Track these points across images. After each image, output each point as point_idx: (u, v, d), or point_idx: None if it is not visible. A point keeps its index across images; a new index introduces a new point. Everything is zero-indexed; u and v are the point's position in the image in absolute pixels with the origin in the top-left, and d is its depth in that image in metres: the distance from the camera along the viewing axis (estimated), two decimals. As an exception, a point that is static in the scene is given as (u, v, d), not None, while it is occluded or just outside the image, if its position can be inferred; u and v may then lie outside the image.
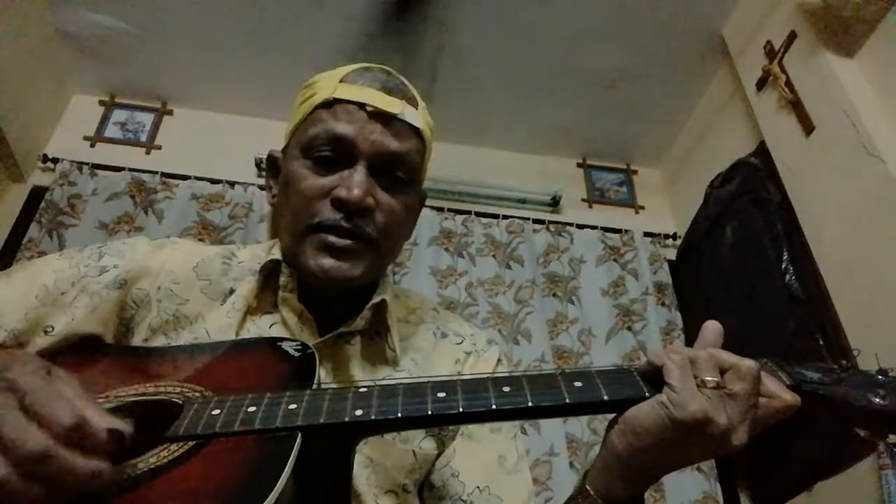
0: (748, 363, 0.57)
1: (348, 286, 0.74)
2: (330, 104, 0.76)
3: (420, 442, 0.75)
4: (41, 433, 0.43)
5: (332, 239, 0.72)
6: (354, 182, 0.72)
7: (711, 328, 0.61)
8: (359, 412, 0.56)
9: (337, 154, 0.74)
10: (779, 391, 0.57)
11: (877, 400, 0.55)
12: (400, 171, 0.77)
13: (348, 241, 0.72)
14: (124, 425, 0.47)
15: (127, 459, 0.52)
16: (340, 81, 0.77)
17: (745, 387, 0.55)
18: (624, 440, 0.57)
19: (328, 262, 0.72)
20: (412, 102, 0.79)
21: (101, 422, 0.46)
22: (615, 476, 0.59)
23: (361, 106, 0.75)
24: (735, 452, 0.55)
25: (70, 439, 0.44)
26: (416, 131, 0.78)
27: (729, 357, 0.58)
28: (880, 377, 0.58)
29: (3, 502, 0.42)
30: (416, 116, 0.78)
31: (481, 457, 0.76)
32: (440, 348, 0.83)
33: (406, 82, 0.82)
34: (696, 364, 0.57)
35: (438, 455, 0.77)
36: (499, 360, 0.85)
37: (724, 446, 0.55)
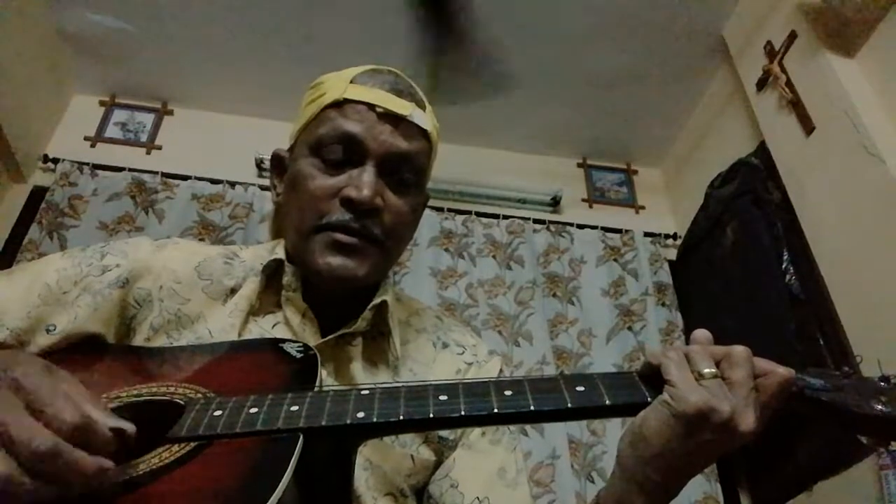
0: (739, 348, 0.57)
1: (353, 285, 0.74)
2: (340, 104, 0.76)
3: (417, 447, 0.75)
4: (47, 431, 0.44)
5: (341, 237, 0.72)
6: (364, 182, 0.72)
7: (700, 334, 0.61)
8: (361, 414, 0.56)
9: (346, 153, 0.75)
10: (771, 367, 0.57)
11: (879, 407, 0.55)
12: (408, 173, 0.77)
13: (356, 240, 0.73)
14: (128, 424, 0.49)
15: (129, 460, 0.52)
16: (350, 82, 0.77)
17: (741, 371, 0.56)
18: (635, 450, 0.57)
19: (336, 260, 0.72)
20: (420, 105, 0.80)
21: (106, 421, 0.47)
22: (632, 491, 0.57)
23: (371, 107, 0.75)
24: (747, 440, 0.54)
25: (75, 437, 0.45)
26: (424, 133, 0.79)
27: (719, 347, 0.59)
28: (883, 384, 0.57)
29: (12, 500, 0.42)
30: (425, 118, 0.79)
31: (481, 468, 0.76)
32: (441, 358, 0.83)
33: (414, 85, 0.82)
34: (690, 358, 0.57)
35: (437, 463, 0.76)
36: (500, 372, 0.85)
37: (734, 435, 0.54)
